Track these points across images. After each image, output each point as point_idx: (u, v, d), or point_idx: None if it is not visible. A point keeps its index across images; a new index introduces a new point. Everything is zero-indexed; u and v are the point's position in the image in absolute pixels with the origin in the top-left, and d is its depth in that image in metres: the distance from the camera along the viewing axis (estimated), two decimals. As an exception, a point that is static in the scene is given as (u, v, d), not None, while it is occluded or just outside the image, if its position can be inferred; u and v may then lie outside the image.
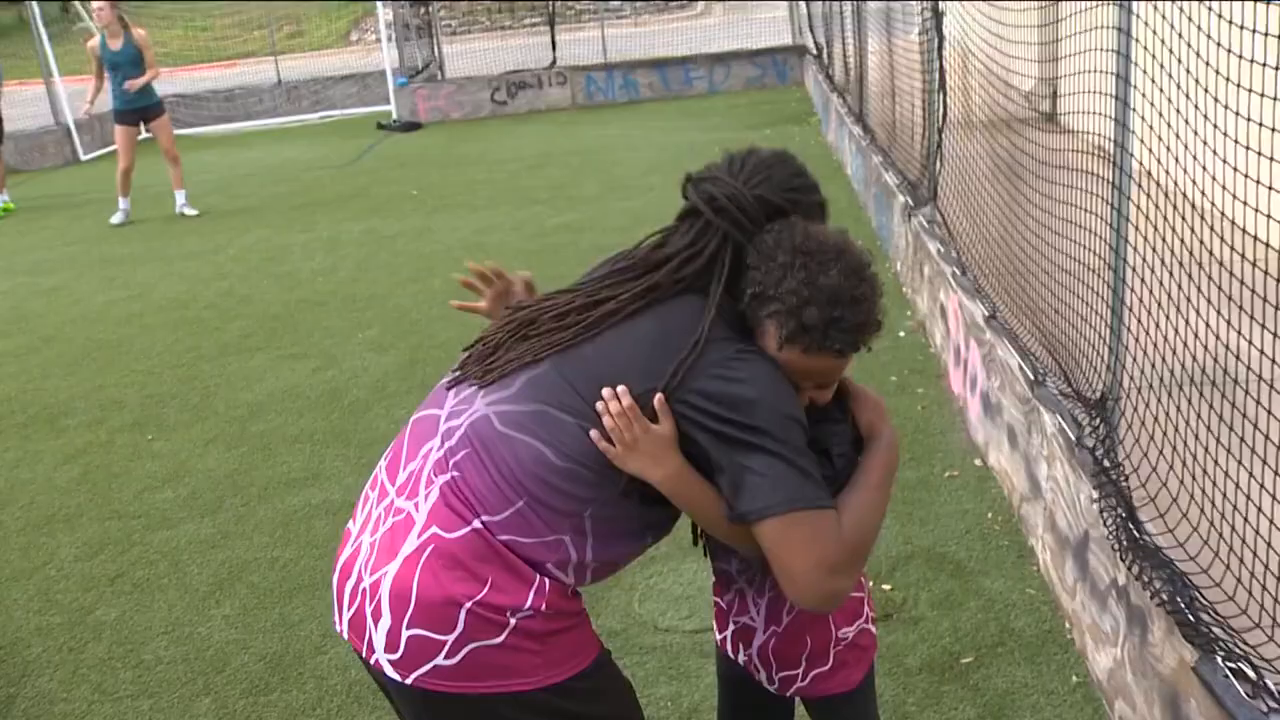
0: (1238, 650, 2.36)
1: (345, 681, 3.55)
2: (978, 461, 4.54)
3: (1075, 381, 3.54)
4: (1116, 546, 2.89)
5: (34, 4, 17.19)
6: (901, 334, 6.00)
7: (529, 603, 1.80)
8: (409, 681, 1.81)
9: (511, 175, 11.88)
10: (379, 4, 19.33)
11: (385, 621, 1.81)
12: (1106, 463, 3.10)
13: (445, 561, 1.80)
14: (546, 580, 1.82)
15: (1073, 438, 3.37)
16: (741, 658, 2.19)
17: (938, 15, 5.83)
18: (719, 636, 2.26)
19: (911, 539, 4.04)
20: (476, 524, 1.80)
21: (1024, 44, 4.69)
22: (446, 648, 1.78)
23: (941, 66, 5.77)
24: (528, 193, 10.81)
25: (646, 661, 3.50)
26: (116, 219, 11.77)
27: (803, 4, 16.09)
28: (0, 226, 12.46)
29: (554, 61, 17.57)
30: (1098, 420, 3.23)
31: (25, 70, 20.10)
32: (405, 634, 1.80)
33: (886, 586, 3.77)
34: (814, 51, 14.72)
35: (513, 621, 1.79)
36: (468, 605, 1.78)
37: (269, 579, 4.26)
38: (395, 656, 1.81)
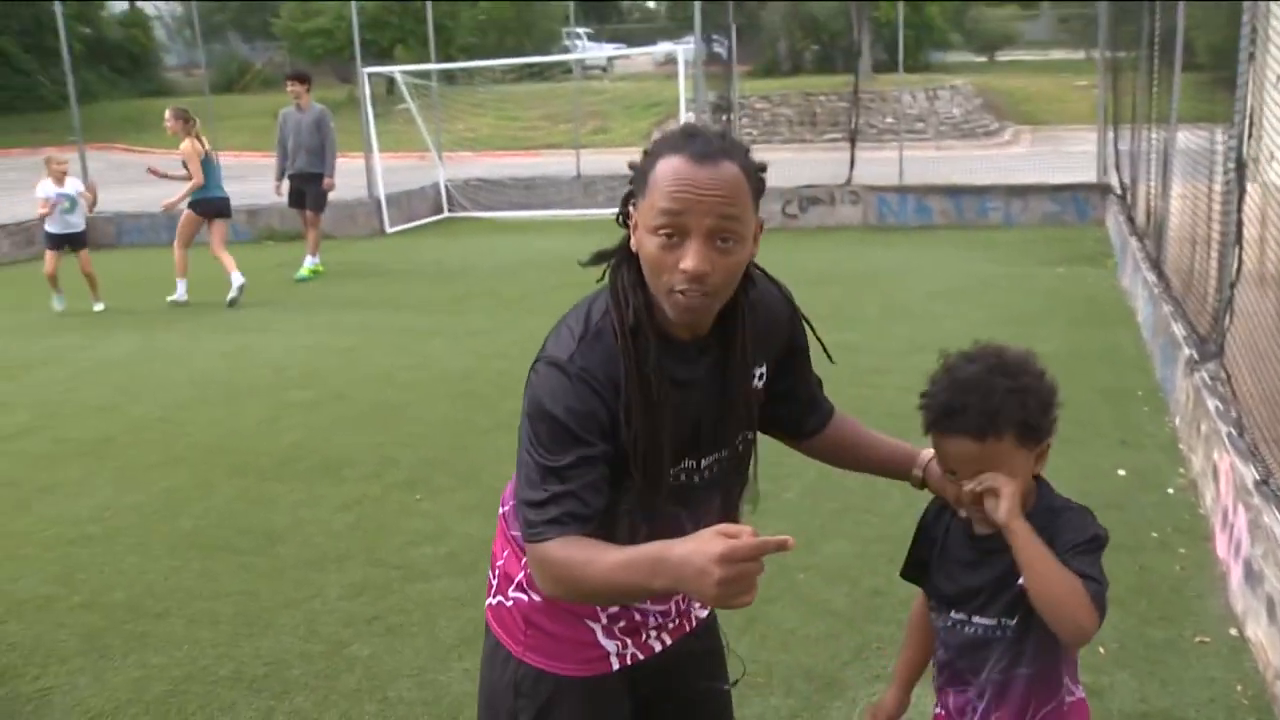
0: None
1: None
2: (1234, 631, 4.44)
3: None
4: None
5: (366, 85, 19.01)
6: (1171, 490, 5.90)
7: (519, 577, 2.33)
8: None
9: (792, 289, 12.17)
10: (682, 108, 20.27)
11: None
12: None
13: (499, 528, 2.45)
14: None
15: (1329, 614, 3.33)
16: None
17: (1240, 164, 5.81)
18: None
19: (1149, 698, 4.00)
20: (502, 509, 2.43)
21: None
22: (491, 590, 2.44)
23: (1240, 218, 5.74)
24: (806, 308, 10.97)
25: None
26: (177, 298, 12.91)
27: (1111, 139, 15.89)
28: (309, 288, 13.78)
29: (849, 179, 17.94)
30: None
31: (349, 144, 22.20)
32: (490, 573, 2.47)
33: (1115, 743, 3.77)
34: (1118, 191, 14.50)
35: (510, 591, 2.36)
36: (495, 565, 2.42)
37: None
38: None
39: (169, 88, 44.26)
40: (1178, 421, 6.82)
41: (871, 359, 8.63)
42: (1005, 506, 2.13)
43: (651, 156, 2.04)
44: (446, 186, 20.86)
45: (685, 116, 20.33)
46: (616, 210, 2.15)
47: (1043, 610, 2.12)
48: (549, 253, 15.58)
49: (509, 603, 2.35)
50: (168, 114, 12.81)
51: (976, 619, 2.28)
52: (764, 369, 2.31)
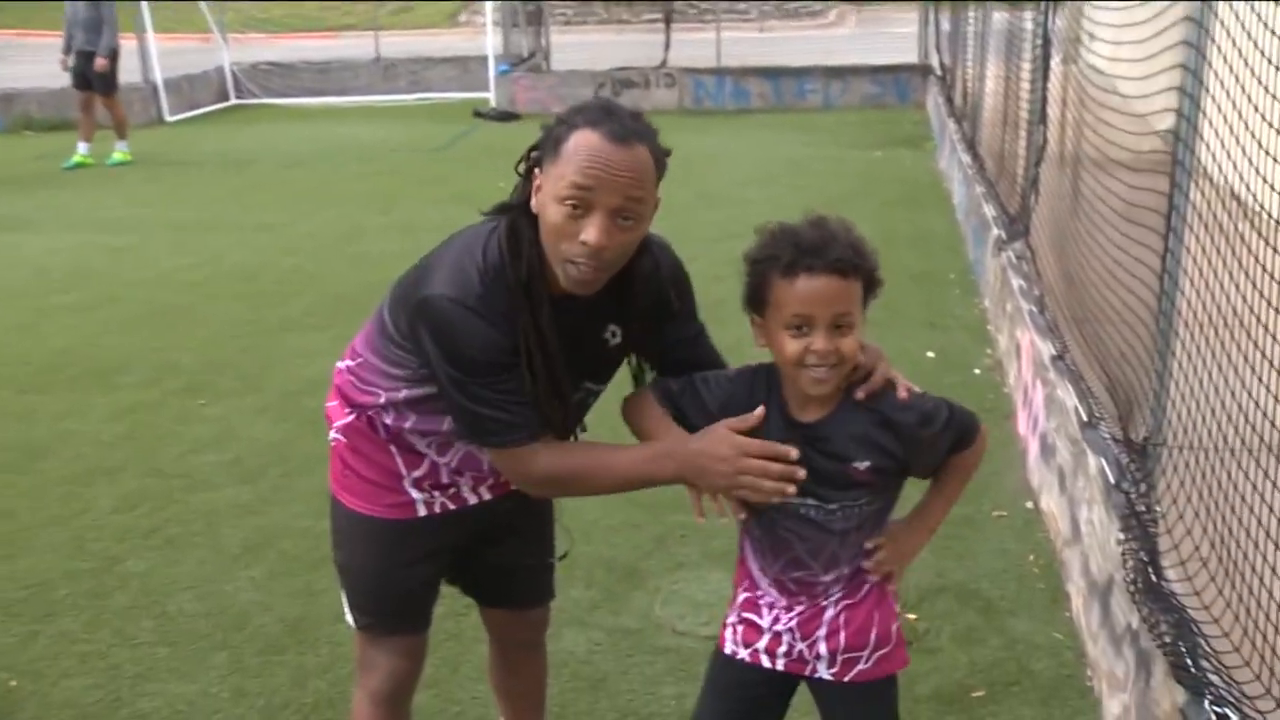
0: (1228, 696, 2.55)
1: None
2: (1029, 504, 4.73)
3: (1128, 427, 3.73)
4: (1133, 589, 3.09)
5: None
6: (977, 371, 6.19)
7: (340, 421, 2.59)
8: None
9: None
10: (491, -15, 19.85)
11: None
12: (1139, 507, 3.30)
13: (335, 381, 2.66)
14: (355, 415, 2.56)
15: (1112, 480, 3.57)
16: (792, 656, 2.43)
17: (1046, 42, 6.03)
18: (746, 651, 2.47)
19: (945, 573, 4.25)
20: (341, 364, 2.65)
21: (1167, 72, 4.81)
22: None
23: (1044, 96, 5.97)
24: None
25: (656, 661, 3.77)
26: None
27: (934, 20, 16.26)
28: (74, 182, 13.15)
29: (664, 61, 17.95)
30: (1136, 465, 3.42)
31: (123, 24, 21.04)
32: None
33: (911, 616, 3.98)
34: (938, 72, 14.89)
35: (332, 432, 2.62)
36: (326, 405, 2.67)
37: (299, 547, 4.60)
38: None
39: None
40: (987, 303, 7.13)
41: (681, 248, 8.67)
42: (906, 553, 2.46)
43: (566, 125, 2.19)
44: (233, 71, 20.07)
45: (493, -6, 19.93)
46: (519, 162, 2.31)
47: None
48: (346, 141, 15.20)
49: (332, 441, 2.64)
50: None
51: (814, 504, 2.33)
52: (614, 331, 2.47)
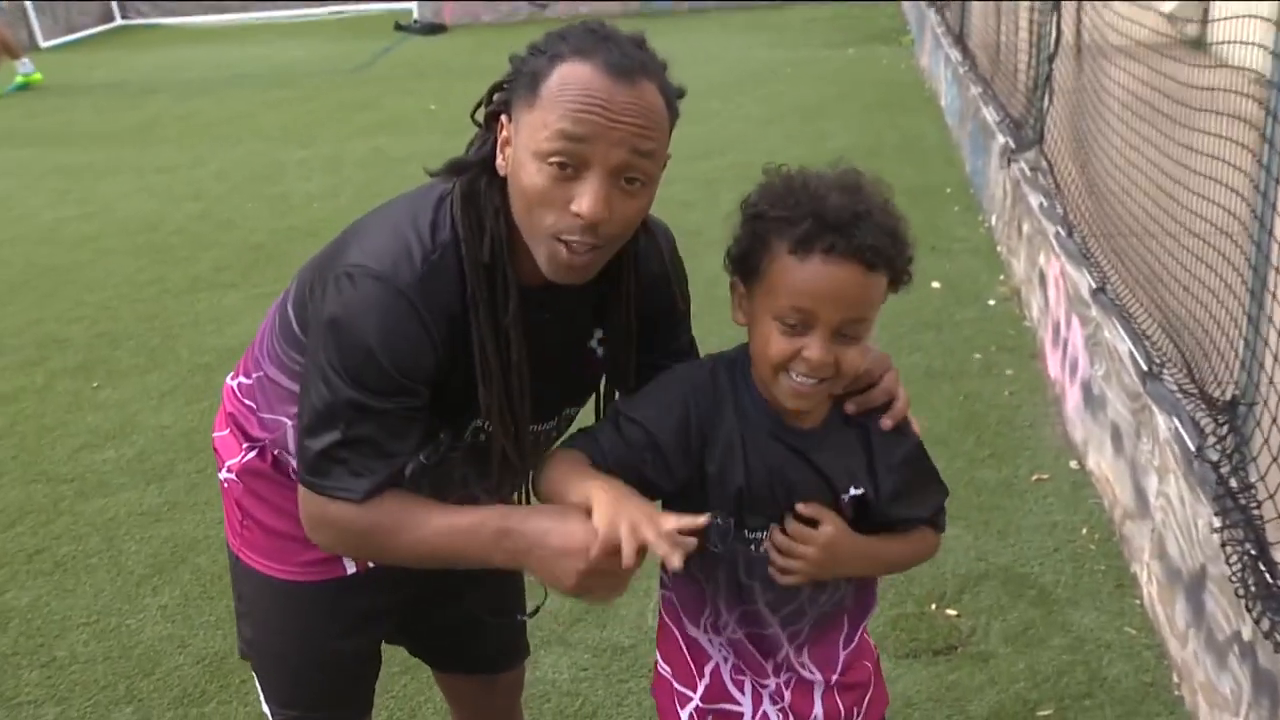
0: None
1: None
2: (1073, 464, 4.33)
3: (1201, 377, 3.32)
4: (1242, 592, 2.68)
5: None
6: (992, 302, 5.78)
7: (232, 461, 2.13)
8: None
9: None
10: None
11: None
12: (1234, 483, 2.89)
13: (225, 400, 2.21)
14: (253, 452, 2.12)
15: (1192, 448, 3.15)
16: None
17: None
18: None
19: (986, 555, 3.85)
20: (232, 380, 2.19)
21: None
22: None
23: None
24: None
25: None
26: None
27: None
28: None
29: (605, -43, 17.31)
30: (1226, 429, 3.01)
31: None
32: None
33: (952, 612, 3.59)
34: (911, -44, 14.41)
35: (223, 471, 2.16)
36: (214, 436, 2.22)
37: (219, 563, 4.12)
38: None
39: None
40: (994, 221, 6.70)
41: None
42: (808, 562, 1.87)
43: (545, 55, 1.70)
44: (118, -14, 19.29)
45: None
46: (476, 107, 1.81)
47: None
48: (253, 64, 14.58)
49: (224, 483, 2.19)
50: None
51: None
52: (597, 340, 2.00)
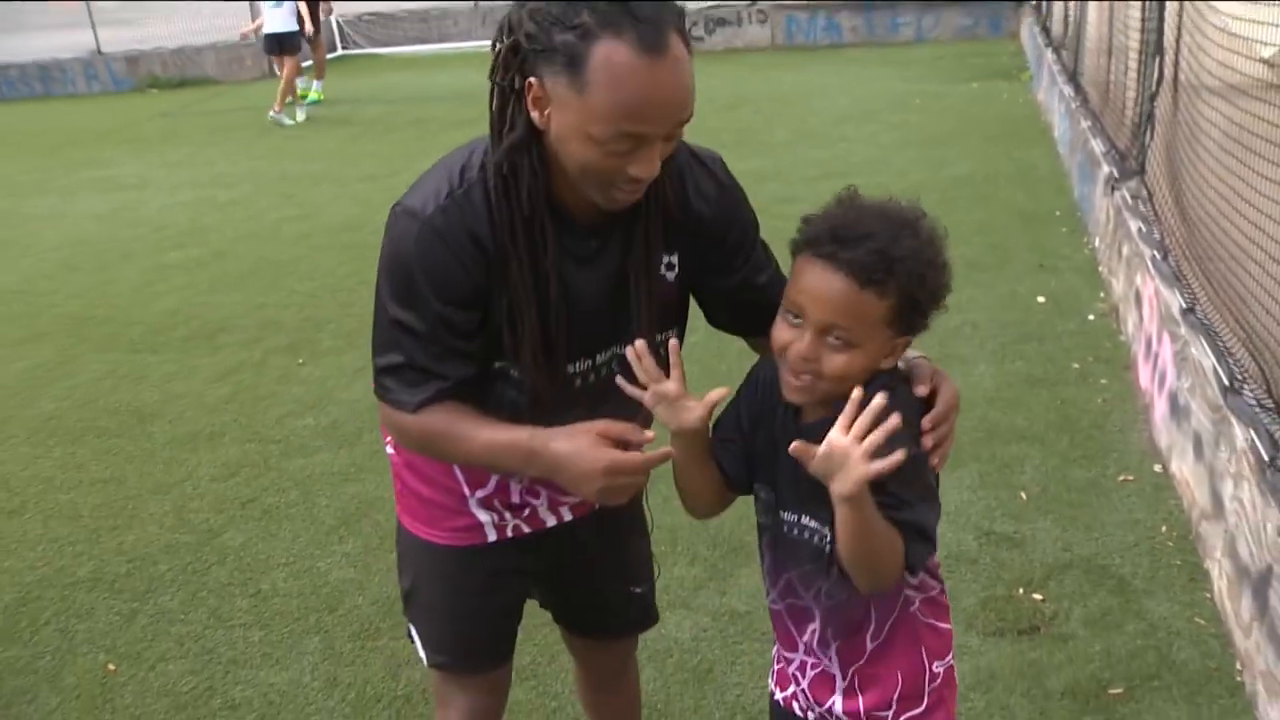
0: None
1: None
2: (1158, 468, 4.21)
3: (1278, 394, 3.22)
4: (1301, 589, 2.61)
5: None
6: (1091, 317, 5.63)
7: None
8: None
9: (699, 117, 11.48)
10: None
11: None
12: (1301, 491, 2.80)
13: None
14: None
15: (1266, 458, 3.06)
16: (815, 715, 1.97)
17: (1163, -32, 5.39)
18: (781, 695, 2.04)
19: (1072, 546, 3.77)
20: None
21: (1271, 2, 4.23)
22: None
23: (1161, 23, 5.34)
24: (713, 135, 10.56)
25: (768, 650, 3.34)
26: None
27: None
28: (191, 136, 12.99)
29: (756, -3, 17.25)
30: (1296, 441, 2.92)
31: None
32: None
33: (1037, 596, 3.53)
34: (1032, 1, 14.03)
35: (388, 443, 2.18)
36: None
37: (394, 519, 4.24)
38: None
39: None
40: (1097, 243, 6.53)
41: (780, 187, 8.22)
42: (858, 471, 1.61)
43: (573, 30, 1.60)
44: (338, 23, 19.77)
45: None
46: (494, 69, 1.72)
47: (847, 564, 1.74)
48: (446, 89, 14.85)
49: (390, 457, 2.21)
50: None
51: (809, 520, 1.84)
52: (675, 259, 1.95)
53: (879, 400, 1.61)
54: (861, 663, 1.89)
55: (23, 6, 15.65)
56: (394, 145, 11.52)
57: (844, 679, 1.91)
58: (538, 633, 3.40)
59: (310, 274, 7.39)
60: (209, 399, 5.51)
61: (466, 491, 2.10)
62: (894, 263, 1.67)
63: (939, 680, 1.91)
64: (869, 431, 1.61)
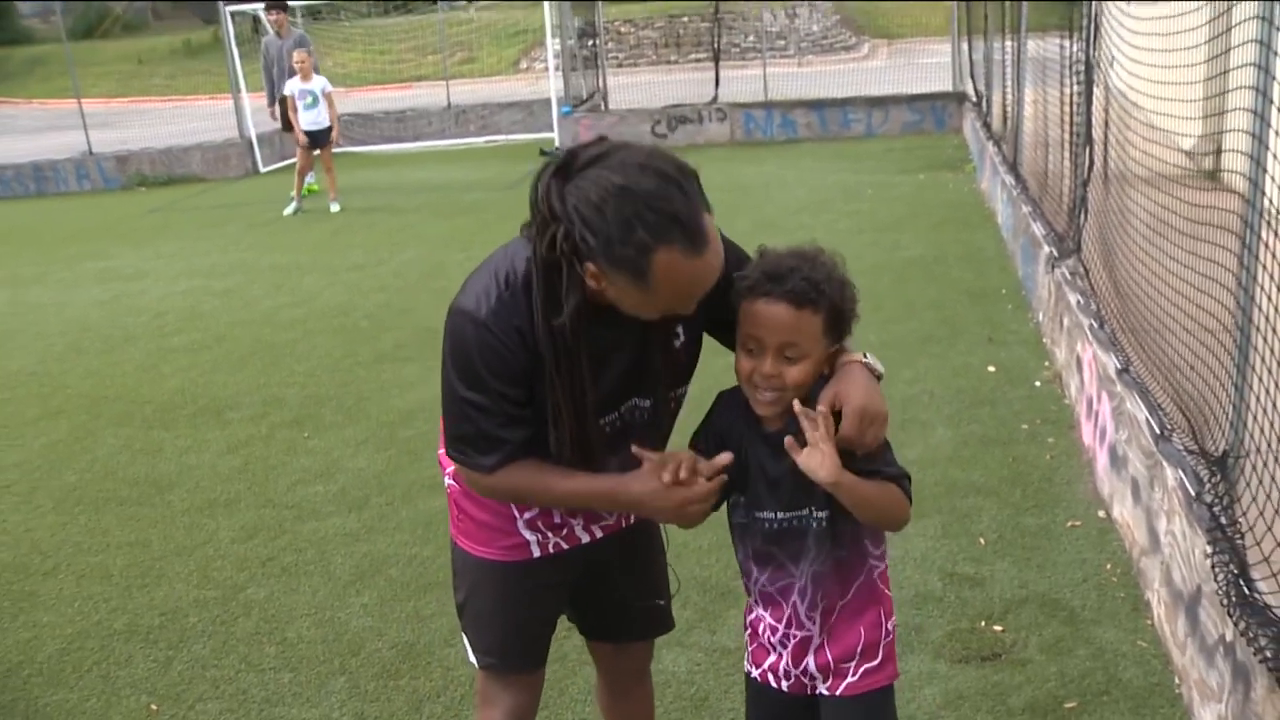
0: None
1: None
2: (1101, 513, 4.53)
3: (1201, 439, 3.54)
4: (1225, 602, 2.90)
5: (229, 25, 18.22)
6: (1038, 384, 5.99)
7: (451, 468, 2.42)
8: None
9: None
10: (549, 35, 19.85)
11: None
12: (1223, 519, 3.11)
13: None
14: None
15: (1192, 493, 3.38)
16: (791, 678, 2.33)
17: (1088, 67, 5.83)
18: (757, 671, 2.40)
19: (1027, 584, 4.07)
20: None
21: (1189, 101, 4.65)
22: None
23: (1089, 119, 5.77)
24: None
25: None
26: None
27: (965, 50, 16.01)
28: (182, 230, 13.24)
29: (715, 97, 17.82)
30: (1218, 477, 3.24)
31: (216, 85, 21.29)
32: None
33: (998, 628, 3.81)
34: (973, 98, 14.63)
35: (446, 477, 2.50)
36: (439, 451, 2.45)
37: (406, 574, 4.50)
38: None
39: (25, 35, 41.84)
40: (1041, 317, 6.92)
41: (747, 273, 8.55)
42: (829, 466, 2.09)
43: (637, 247, 1.89)
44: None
45: (551, 44, 19.94)
46: (553, 252, 1.98)
47: (870, 523, 2.22)
48: (423, 184, 15.19)
49: (447, 487, 2.52)
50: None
51: (782, 514, 2.24)
52: (680, 328, 2.28)
53: (822, 409, 2.11)
54: (833, 619, 2.27)
55: (15, 111, 15.87)
56: (378, 236, 11.80)
57: (818, 639, 2.29)
58: (547, 669, 3.62)
59: (307, 355, 7.64)
60: (222, 469, 5.73)
61: (515, 514, 2.40)
62: (818, 284, 2.12)
63: (890, 637, 2.32)
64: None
